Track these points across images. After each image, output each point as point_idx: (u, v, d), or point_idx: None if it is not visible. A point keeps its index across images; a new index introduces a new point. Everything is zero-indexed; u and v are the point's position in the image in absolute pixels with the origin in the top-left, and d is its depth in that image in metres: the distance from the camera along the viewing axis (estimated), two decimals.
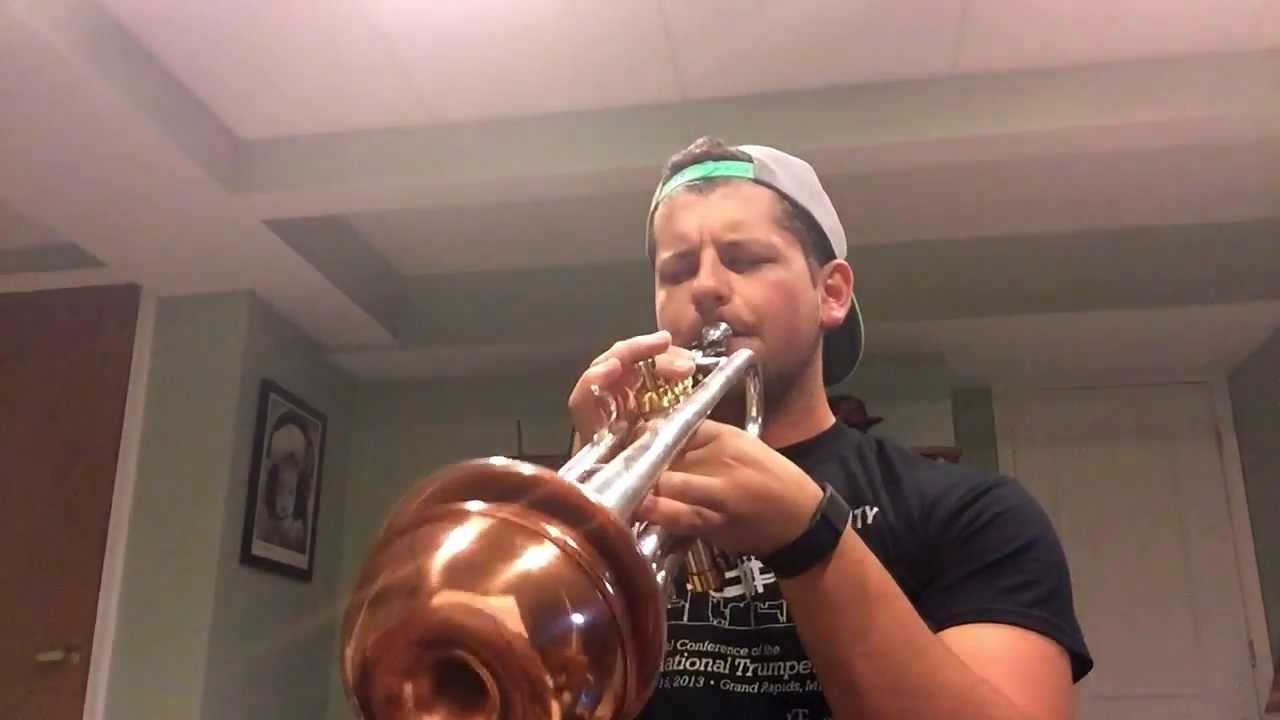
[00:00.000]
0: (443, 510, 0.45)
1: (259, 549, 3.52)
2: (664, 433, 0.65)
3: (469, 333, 3.95)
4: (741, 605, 0.89)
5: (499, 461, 0.47)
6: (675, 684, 0.87)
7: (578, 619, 0.43)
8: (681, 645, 0.89)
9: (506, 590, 0.42)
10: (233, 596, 3.37)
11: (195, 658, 3.22)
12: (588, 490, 0.46)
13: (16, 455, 3.58)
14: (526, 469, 0.46)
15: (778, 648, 0.86)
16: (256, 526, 3.50)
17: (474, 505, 0.44)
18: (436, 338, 3.98)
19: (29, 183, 2.91)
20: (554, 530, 0.43)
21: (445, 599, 0.42)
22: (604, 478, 0.56)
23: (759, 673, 0.86)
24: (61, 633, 3.32)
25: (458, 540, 0.44)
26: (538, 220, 3.53)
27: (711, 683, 0.87)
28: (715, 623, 0.89)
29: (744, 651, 0.87)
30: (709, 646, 0.88)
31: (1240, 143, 2.86)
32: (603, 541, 0.44)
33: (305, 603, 3.83)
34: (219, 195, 2.95)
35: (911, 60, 2.70)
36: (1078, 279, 3.63)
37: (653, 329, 0.97)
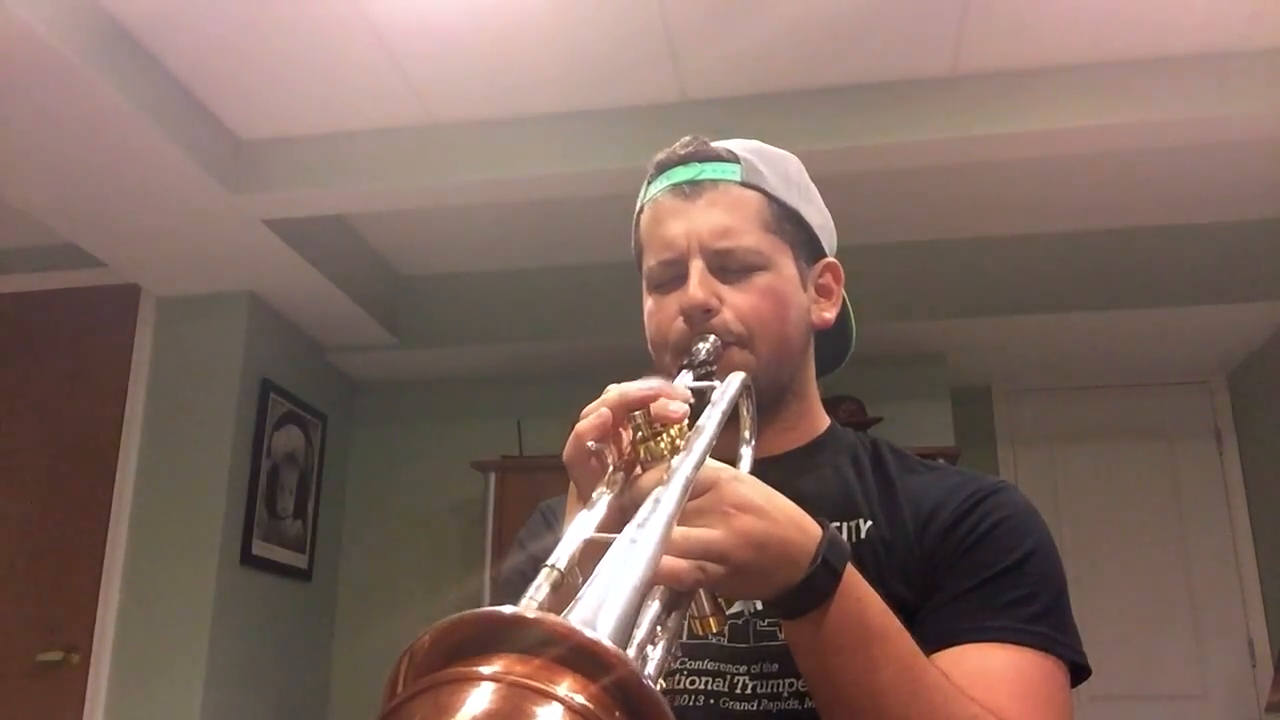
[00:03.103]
0: (455, 674, 0.46)
1: (259, 549, 3.52)
2: (665, 501, 0.64)
3: (469, 333, 3.95)
4: (740, 622, 0.88)
5: (509, 612, 0.47)
6: (675, 703, 0.86)
7: None
8: (680, 664, 0.88)
9: None
10: (233, 596, 3.37)
11: (195, 658, 3.22)
12: (590, 632, 0.46)
13: (17, 454, 3.58)
14: (531, 618, 0.47)
15: (777, 665, 0.85)
16: (256, 526, 3.50)
17: (486, 669, 0.45)
18: (436, 338, 3.98)
19: (29, 182, 2.91)
20: (562, 689, 0.44)
21: None
22: (610, 570, 0.56)
23: (758, 690, 0.85)
24: (61, 633, 3.33)
25: (472, 707, 0.44)
26: (538, 220, 3.53)
27: (711, 701, 0.86)
28: (714, 640, 0.87)
29: (743, 669, 0.86)
30: (708, 665, 0.87)
31: (1240, 143, 2.86)
32: (613, 687, 0.45)
33: (305, 603, 3.83)
34: (219, 195, 2.95)
35: (911, 60, 2.70)
36: (1078, 279, 3.63)
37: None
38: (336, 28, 2.56)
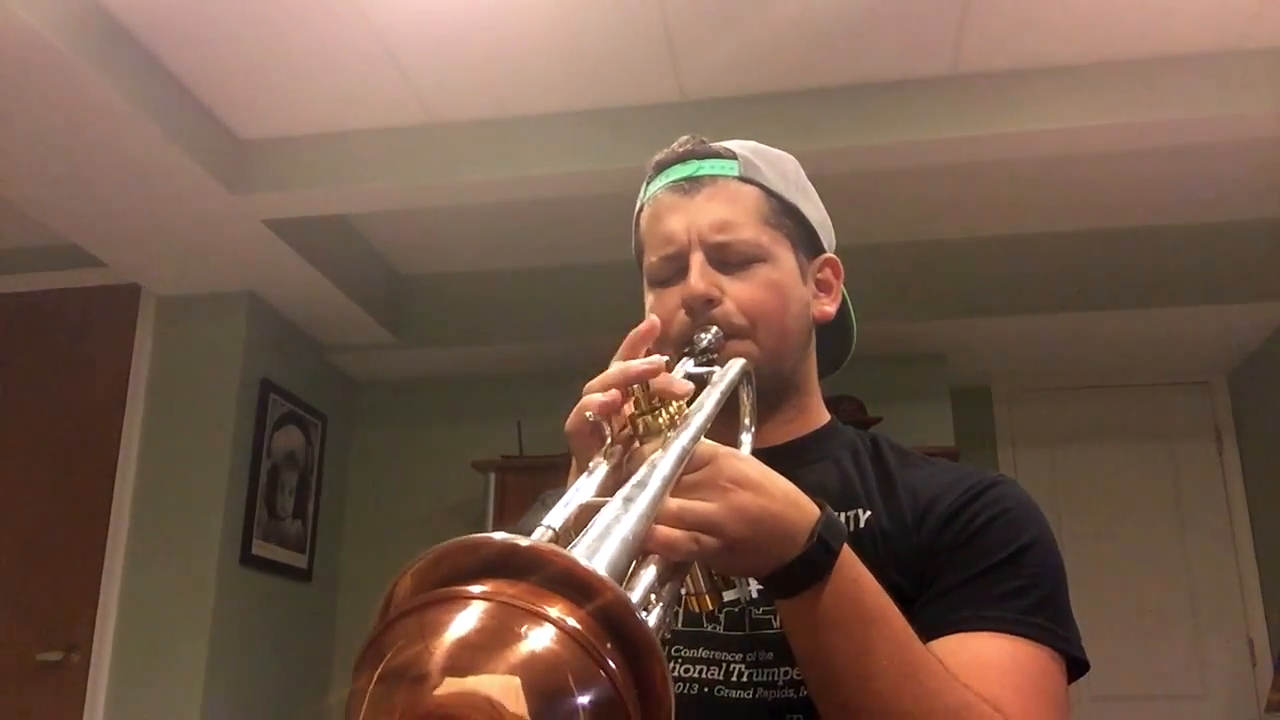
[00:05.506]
0: (446, 593, 0.45)
1: (259, 549, 3.52)
2: (661, 465, 0.65)
3: (469, 333, 3.95)
4: (736, 610, 0.88)
5: (499, 538, 0.47)
6: None
7: (583, 700, 0.43)
8: (676, 652, 0.88)
9: (510, 677, 0.42)
10: (233, 596, 3.37)
11: (195, 658, 3.22)
12: (584, 560, 0.46)
13: (16, 455, 3.58)
14: (524, 545, 0.46)
15: (772, 654, 0.85)
16: (256, 526, 3.51)
17: (476, 588, 0.45)
18: (436, 338, 3.98)
19: (29, 183, 2.91)
20: (554, 611, 0.44)
21: (449, 688, 0.42)
22: (604, 523, 0.56)
23: (754, 679, 0.85)
24: (61, 633, 3.33)
25: (461, 625, 0.44)
26: (538, 220, 3.53)
27: (705, 690, 0.86)
28: (709, 629, 0.88)
29: (739, 657, 0.86)
30: (702, 653, 0.87)
31: (1240, 143, 2.85)
32: (602, 614, 0.45)
33: (305, 603, 3.83)
34: (219, 195, 2.95)
35: (911, 60, 2.70)
36: (1078, 279, 3.63)
37: None
38: (336, 28, 2.56)
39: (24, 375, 3.68)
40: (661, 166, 1.00)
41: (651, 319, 0.84)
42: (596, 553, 0.53)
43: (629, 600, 0.46)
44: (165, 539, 3.36)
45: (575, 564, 0.45)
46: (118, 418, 3.52)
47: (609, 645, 0.44)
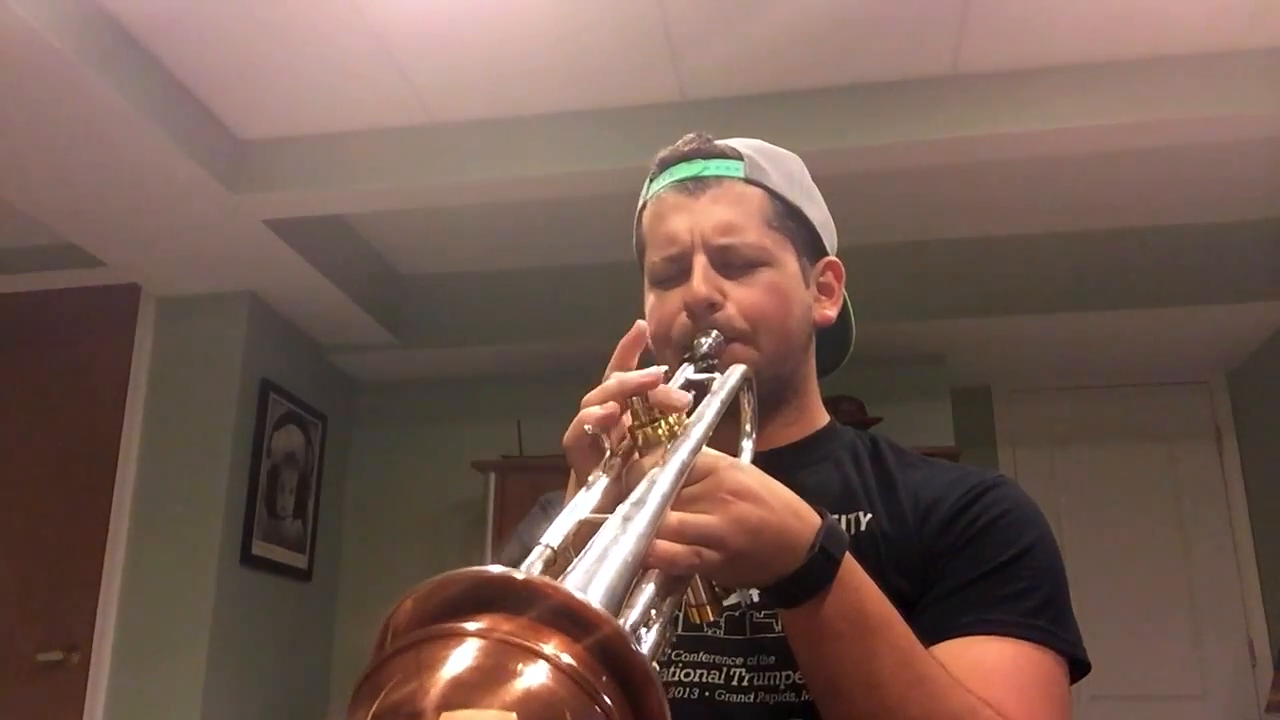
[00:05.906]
0: (441, 630, 0.45)
1: (259, 549, 3.52)
2: (660, 482, 0.64)
3: (469, 333, 3.95)
4: (736, 614, 0.88)
5: (496, 571, 0.47)
6: (670, 695, 0.85)
7: None
8: (676, 656, 0.88)
9: (505, 714, 0.42)
10: (233, 596, 3.37)
11: (195, 658, 3.22)
12: (579, 594, 0.46)
13: (16, 455, 3.58)
14: (519, 578, 0.46)
15: (773, 657, 0.85)
16: (256, 526, 3.51)
17: (471, 625, 0.45)
18: (436, 338, 3.98)
19: (29, 183, 2.91)
20: (549, 647, 0.44)
21: None
22: (602, 544, 0.56)
23: (754, 682, 0.85)
24: (61, 633, 3.33)
25: (456, 663, 0.44)
26: (538, 220, 3.53)
27: (706, 694, 0.86)
28: (710, 632, 0.87)
29: (739, 661, 0.86)
30: (703, 657, 0.87)
31: (1240, 143, 2.86)
32: (599, 648, 0.45)
33: (305, 603, 3.83)
34: (219, 195, 2.95)
35: (911, 60, 2.70)
36: (1078, 279, 3.63)
37: None
38: (336, 28, 2.56)
39: (24, 375, 3.68)
40: (666, 164, 0.99)
41: (639, 324, 0.84)
42: (594, 578, 0.52)
43: (625, 632, 0.46)
44: (165, 539, 3.36)
45: (570, 598, 0.45)
46: (118, 418, 3.52)
47: (605, 679, 0.44)
